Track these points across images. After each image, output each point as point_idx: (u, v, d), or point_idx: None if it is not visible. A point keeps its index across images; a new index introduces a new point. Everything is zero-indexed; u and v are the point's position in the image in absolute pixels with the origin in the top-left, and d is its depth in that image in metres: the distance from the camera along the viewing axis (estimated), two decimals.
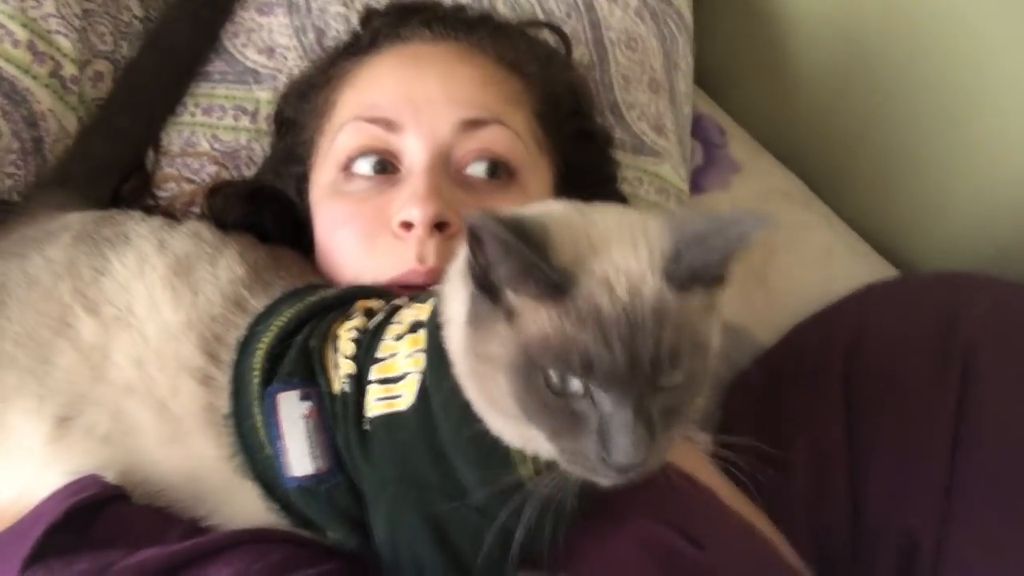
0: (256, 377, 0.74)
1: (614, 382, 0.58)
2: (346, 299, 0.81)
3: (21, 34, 1.00)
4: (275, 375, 0.74)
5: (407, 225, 0.85)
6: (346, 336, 0.75)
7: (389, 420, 0.70)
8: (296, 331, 0.77)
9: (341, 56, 1.02)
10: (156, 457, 0.76)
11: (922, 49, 1.29)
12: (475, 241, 0.60)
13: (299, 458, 0.71)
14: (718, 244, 0.59)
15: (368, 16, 1.05)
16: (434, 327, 0.69)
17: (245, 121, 1.12)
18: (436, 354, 0.68)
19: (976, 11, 1.22)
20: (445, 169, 0.89)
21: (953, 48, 1.26)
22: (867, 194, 1.41)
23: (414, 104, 0.90)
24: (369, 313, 0.79)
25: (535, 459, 0.67)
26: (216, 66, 1.14)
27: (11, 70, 0.99)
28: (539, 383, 0.59)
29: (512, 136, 0.91)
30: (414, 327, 0.72)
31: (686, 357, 0.59)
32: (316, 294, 0.81)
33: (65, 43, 1.03)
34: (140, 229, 0.87)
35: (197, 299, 0.80)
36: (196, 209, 1.06)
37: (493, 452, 0.67)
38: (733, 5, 1.48)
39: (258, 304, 0.80)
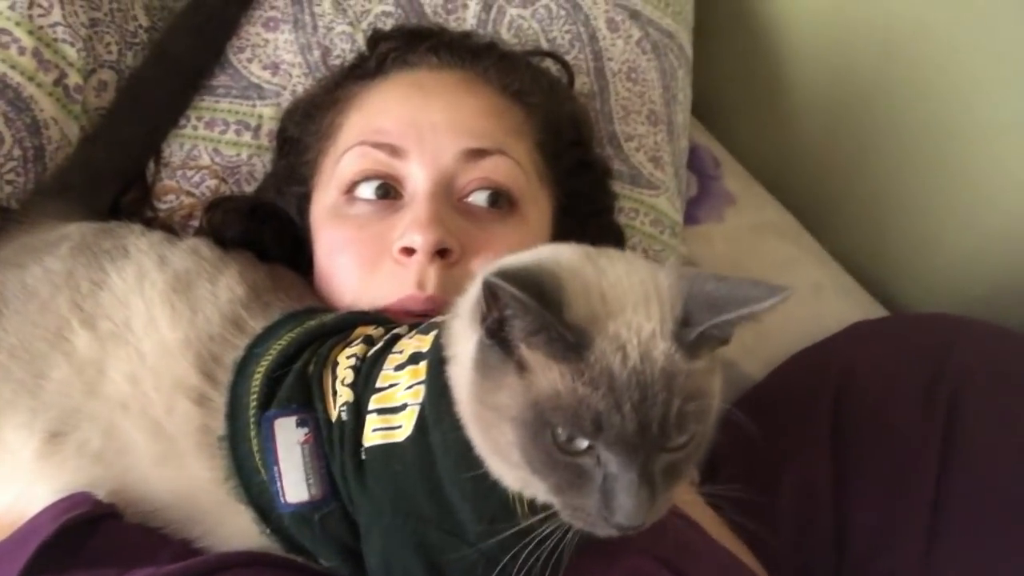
0: (254, 401, 0.74)
1: (622, 445, 0.58)
2: (346, 325, 0.81)
3: (27, 41, 1.00)
4: (273, 400, 0.74)
5: (408, 251, 0.86)
6: (345, 363, 0.76)
7: (386, 450, 0.70)
8: (295, 356, 0.77)
9: (347, 79, 1.02)
10: (149, 477, 0.76)
11: (916, 89, 1.31)
12: (490, 296, 0.60)
13: (294, 484, 0.71)
14: (730, 311, 0.59)
15: (375, 39, 1.06)
16: (436, 360, 0.70)
17: (247, 136, 1.12)
18: (437, 388, 0.69)
19: (971, 52, 1.24)
20: (447, 197, 0.90)
21: (947, 88, 1.28)
22: (857, 230, 1.43)
23: (418, 131, 0.91)
24: (369, 340, 0.79)
25: (531, 501, 0.67)
26: (220, 80, 1.14)
27: (16, 77, 0.99)
28: (546, 438, 0.60)
29: (514, 166, 0.92)
30: (414, 358, 0.73)
31: (692, 421, 0.60)
32: (316, 318, 0.82)
33: (71, 52, 1.03)
34: (140, 243, 0.87)
35: (196, 317, 0.80)
36: (195, 222, 1.07)
37: (491, 491, 0.67)
38: (731, 38, 1.50)
39: (256, 325, 0.81)
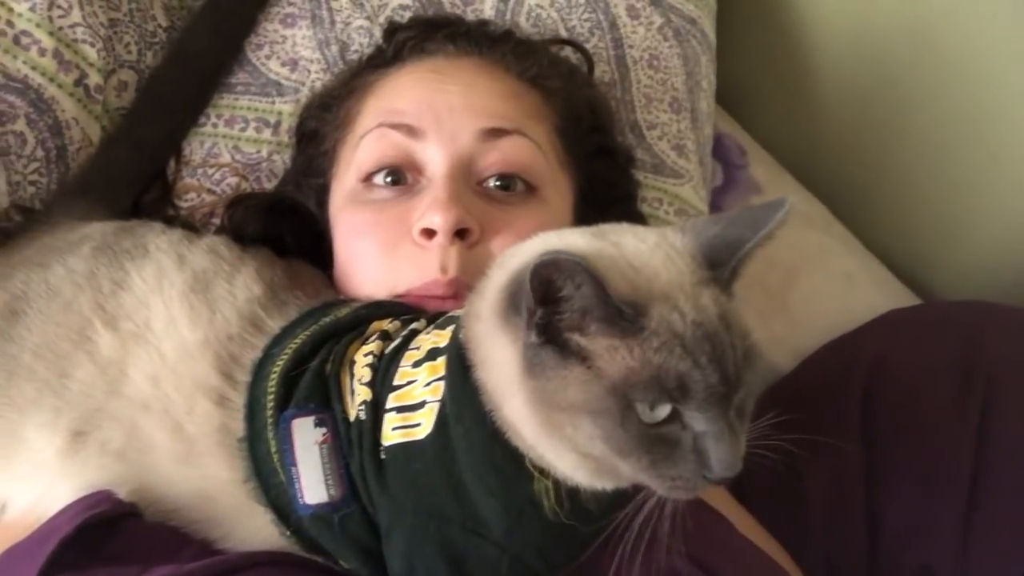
0: (271, 402, 0.74)
1: (712, 399, 0.58)
2: (360, 321, 0.80)
3: (47, 42, 1.01)
4: (290, 400, 0.74)
5: (428, 232, 0.84)
6: (362, 361, 0.74)
7: (406, 449, 0.69)
8: (311, 355, 0.76)
9: (364, 69, 1.02)
10: (170, 476, 0.75)
11: (944, 76, 1.28)
12: (539, 286, 0.58)
13: (313, 485, 0.70)
14: (749, 241, 0.61)
15: (392, 30, 1.06)
16: (456, 355, 0.68)
17: (267, 133, 1.12)
18: (457, 383, 0.68)
19: (1002, 37, 1.21)
20: (466, 179, 0.88)
21: (978, 73, 1.25)
22: (887, 219, 1.40)
23: (435, 112, 0.90)
24: (386, 336, 0.78)
25: (557, 491, 0.66)
26: (239, 78, 1.14)
27: (37, 78, 1.00)
28: (631, 418, 0.59)
29: (533, 148, 0.91)
30: (432, 354, 0.71)
31: (754, 355, 0.61)
32: (331, 314, 0.81)
33: (91, 52, 1.04)
34: (159, 242, 0.87)
35: (215, 317, 0.79)
36: (216, 220, 1.07)
37: (517, 485, 0.66)
38: (757, 25, 1.48)
39: (275, 325, 0.80)
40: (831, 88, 1.43)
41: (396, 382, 0.72)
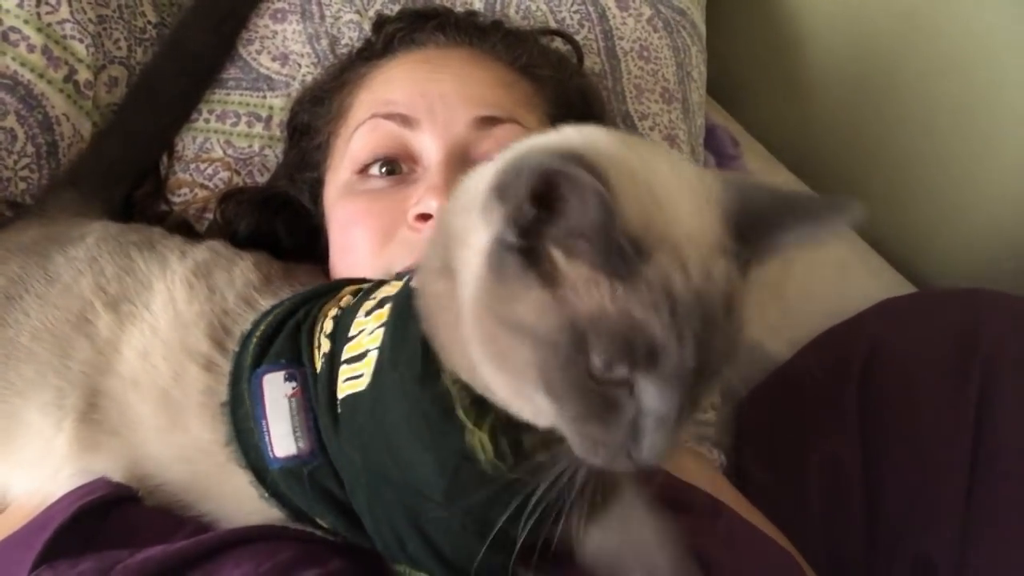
0: (248, 360, 0.74)
1: (676, 380, 0.51)
2: (340, 287, 0.80)
3: (36, 39, 1.01)
4: (266, 359, 0.74)
5: (424, 217, 0.84)
6: (330, 315, 0.74)
7: (353, 402, 0.67)
8: (289, 316, 0.77)
9: (355, 61, 1.02)
10: (156, 448, 0.75)
11: (937, 61, 1.28)
12: (544, 183, 0.50)
13: (282, 438, 0.70)
14: (788, 229, 0.53)
15: (381, 22, 1.05)
16: (403, 301, 0.66)
17: (259, 128, 1.12)
18: (398, 329, 0.65)
19: (992, 24, 1.21)
20: (461, 167, 0.88)
21: (969, 61, 1.25)
22: (881, 207, 1.39)
23: (428, 101, 0.89)
24: (356, 293, 0.78)
25: (497, 445, 0.60)
26: (230, 73, 1.14)
27: (26, 74, 1.00)
28: (578, 364, 0.52)
29: (527, 136, 0.91)
30: (382, 302, 0.70)
31: (741, 352, 0.54)
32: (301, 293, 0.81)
33: (80, 48, 1.04)
34: (164, 240, 0.88)
35: (213, 296, 0.80)
36: (209, 215, 1.06)
37: (448, 434, 0.61)
38: (747, 16, 1.48)
39: (266, 304, 0.80)
40: (823, 77, 1.43)
41: (350, 333, 0.70)
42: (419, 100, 0.90)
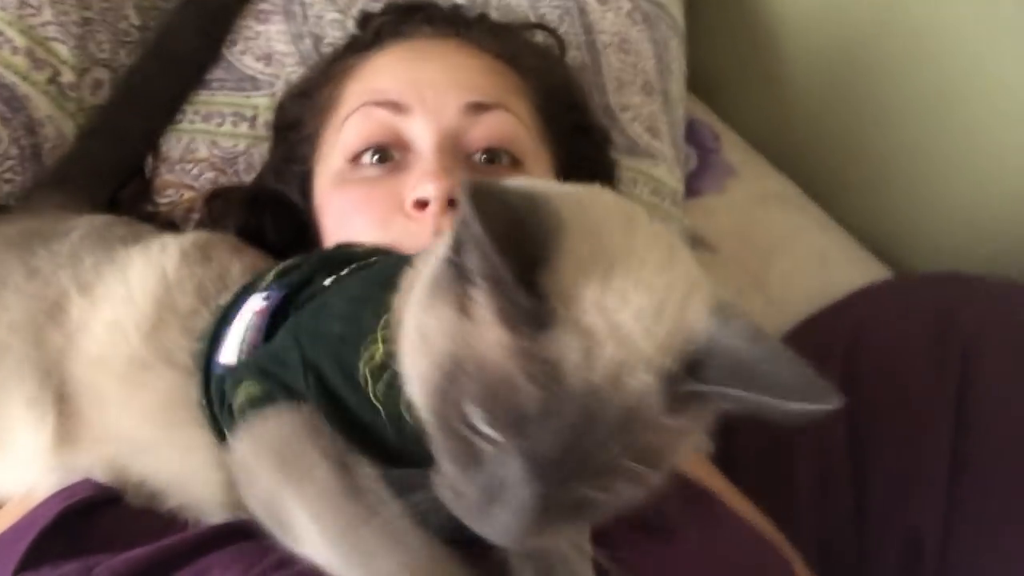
0: (267, 279, 0.76)
1: (532, 463, 0.47)
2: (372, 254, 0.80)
3: (20, 41, 1.01)
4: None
5: (421, 204, 0.84)
6: None
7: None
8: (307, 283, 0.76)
9: (342, 55, 1.03)
10: (124, 424, 0.75)
11: (914, 55, 1.31)
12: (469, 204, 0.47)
13: (229, 347, 0.71)
14: (749, 390, 0.47)
15: (366, 17, 1.07)
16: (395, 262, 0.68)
17: (244, 127, 1.13)
18: (377, 270, 0.70)
19: (968, 17, 1.24)
20: (453, 152, 0.89)
21: (945, 53, 1.27)
22: (861, 198, 1.42)
23: (419, 89, 0.90)
24: None
25: (382, 367, 0.59)
26: (215, 74, 1.14)
27: (10, 76, 1.00)
28: (451, 400, 0.50)
29: (516, 122, 0.92)
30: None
31: (629, 481, 0.49)
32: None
33: (63, 50, 1.04)
34: (155, 233, 0.89)
35: (210, 263, 0.81)
36: (196, 215, 1.07)
37: (360, 320, 0.63)
38: (725, 10, 1.50)
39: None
40: (802, 71, 1.45)
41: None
42: (409, 87, 0.91)
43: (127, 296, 0.79)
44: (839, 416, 0.99)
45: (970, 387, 0.97)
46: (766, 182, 1.41)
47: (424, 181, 0.84)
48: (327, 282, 0.73)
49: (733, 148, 1.42)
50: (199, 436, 0.73)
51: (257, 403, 0.64)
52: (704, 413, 0.51)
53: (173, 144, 1.12)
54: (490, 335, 0.48)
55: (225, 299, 0.77)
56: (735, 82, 1.50)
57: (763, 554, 0.85)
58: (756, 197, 1.37)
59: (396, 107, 0.90)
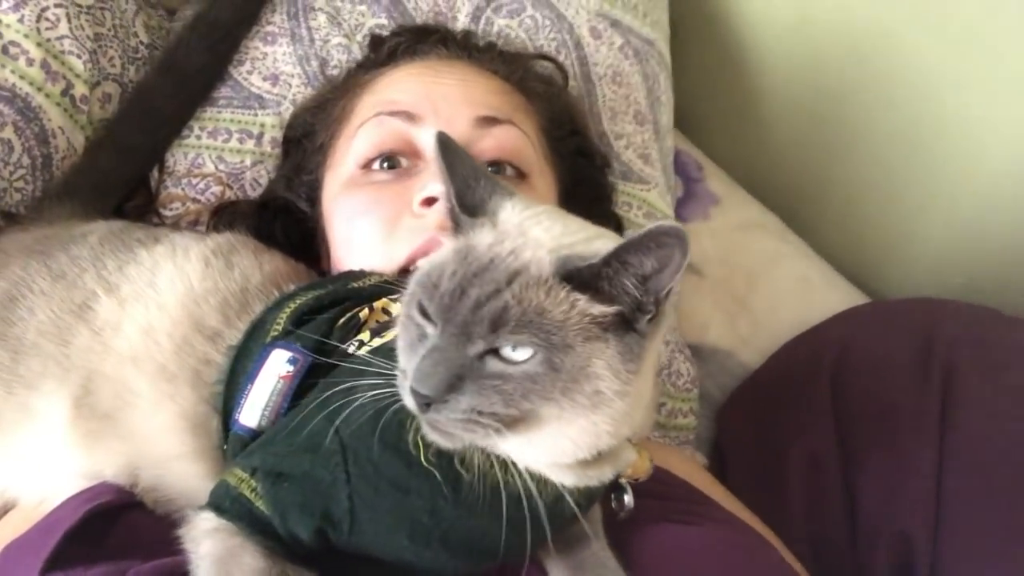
0: (277, 328, 0.76)
1: (439, 311, 0.59)
2: (383, 294, 0.82)
3: (35, 53, 1.03)
4: (290, 335, 0.76)
5: (429, 201, 0.87)
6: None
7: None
8: (328, 307, 0.79)
9: (356, 71, 1.07)
10: (147, 425, 0.76)
11: (884, 90, 1.38)
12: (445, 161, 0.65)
13: (252, 408, 0.72)
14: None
15: (378, 39, 1.11)
16: None
17: (250, 144, 1.15)
18: None
19: (934, 52, 1.31)
20: None
21: (914, 87, 1.34)
22: (838, 227, 1.48)
23: (433, 101, 0.94)
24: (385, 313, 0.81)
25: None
26: (222, 92, 1.17)
27: (25, 87, 1.02)
28: (411, 302, 0.62)
29: (524, 138, 0.96)
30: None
31: (525, 336, 0.58)
32: (352, 282, 0.84)
33: (77, 63, 1.06)
34: (173, 235, 0.90)
35: (232, 272, 0.82)
36: (201, 228, 1.08)
37: None
38: (707, 51, 1.56)
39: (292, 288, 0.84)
40: (778, 106, 1.52)
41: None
42: (424, 99, 0.95)
43: (159, 302, 0.80)
44: (828, 430, 1.05)
45: (952, 402, 1.01)
46: (748, 211, 1.46)
47: (434, 180, 0.87)
48: (352, 348, 0.75)
49: (716, 179, 1.48)
50: (216, 465, 0.75)
51: (242, 517, 0.67)
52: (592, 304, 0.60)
53: (180, 159, 1.13)
54: (443, 248, 0.64)
55: (236, 337, 0.78)
56: (717, 118, 1.57)
57: (766, 553, 0.88)
58: (739, 225, 1.42)
59: (410, 117, 0.94)
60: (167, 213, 1.10)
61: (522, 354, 0.58)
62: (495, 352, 0.59)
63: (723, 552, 0.79)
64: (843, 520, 1.01)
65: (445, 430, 0.60)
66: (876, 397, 1.05)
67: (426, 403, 0.59)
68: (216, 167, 1.13)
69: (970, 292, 1.30)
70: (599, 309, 0.59)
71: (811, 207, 1.50)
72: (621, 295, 0.59)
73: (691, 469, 1.02)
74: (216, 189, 1.12)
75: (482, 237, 0.62)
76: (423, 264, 0.64)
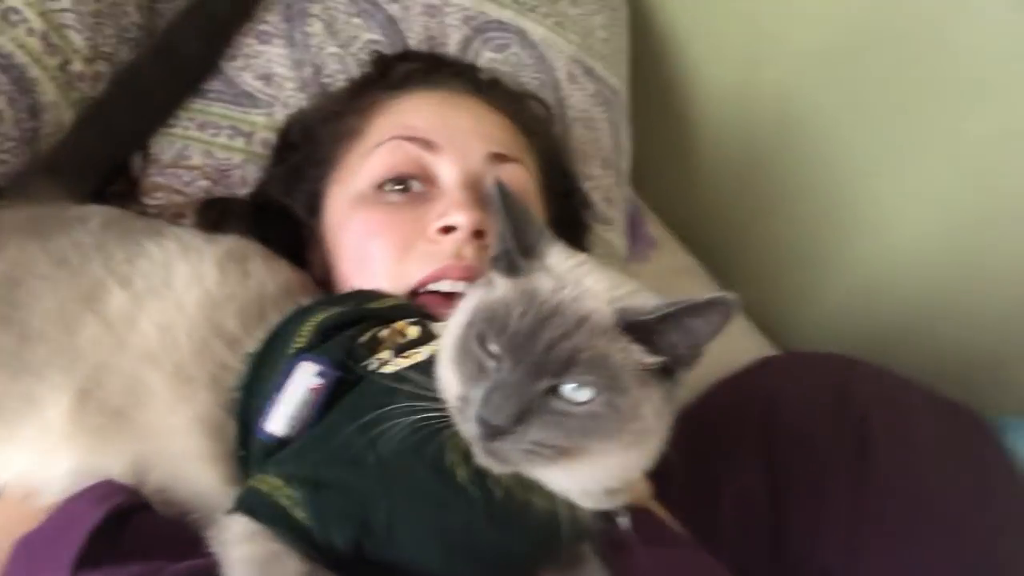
0: (300, 341, 0.78)
1: (509, 345, 0.64)
2: (406, 315, 0.85)
3: (37, 23, 0.99)
4: (316, 348, 0.78)
5: (448, 229, 0.91)
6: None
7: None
8: (351, 324, 0.81)
9: (368, 88, 1.09)
10: (161, 423, 0.77)
11: (810, 161, 1.53)
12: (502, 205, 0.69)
13: (280, 417, 0.74)
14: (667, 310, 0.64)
15: (386, 59, 1.14)
16: None
17: (240, 142, 1.14)
18: None
19: (858, 136, 1.47)
20: (474, 193, 0.96)
21: (836, 163, 1.50)
22: (751, 281, 1.63)
23: (449, 131, 0.98)
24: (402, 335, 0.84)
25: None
26: (213, 84, 1.15)
27: (23, 57, 0.98)
28: (471, 333, 0.66)
29: (528, 178, 1.02)
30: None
31: (591, 378, 0.63)
32: (371, 301, 0.86)
33: (78, 39, 1.02)
34: (175, 229, 0.89)
35: (248, 281, 0.84)
36: (185, 221, 1.06)
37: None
38: (648, 103, 1.67)
39: (306, 302, 0.85)
40: (709, 166, 1.65)
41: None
42: (441, 129, 0.99)
43: (177, 301, 0.80)
44: (759, 469, 1.16)
45: (866, 449, 1.15)
46: (678, 257, 1.58)
47: (454, 210, 0.92)
48: (372, 366, 0.77)
49: (653, 225, 1.59)
50: (230, 470, 0.76)
51: (279, 523, 0.68)
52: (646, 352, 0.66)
53: (165, 147, 1.11)
54: (499, 287, 0.68)
55: (253, 345, 0.79)
56: (653, 168, 1.67)
57: (712, 569, 0.98)
58: (672, 269, 1.54)
59: (427, 144, 0.98)
60: (150, 202, 1.08)
61: (583, 394, 0.64)
62: (555, 390, 0.64)
63: (709, 569, 0.88)
64: (769, 553, 1.13)
65: (505, 458, 0.65)
66: (800, 443, 1.17)
67: (491, 432, 0.64)
68: (204, 161, 1.12)
69: (871, 350, 1.47)
70: (651, 359, 0.66)
71: (732, 258, 1.64)
72: (668, 347, 0.66)
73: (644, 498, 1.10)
74: (202, 183, 1.10)
75: (543, 282, 0.67)
76: (476, 301, 0.69)
